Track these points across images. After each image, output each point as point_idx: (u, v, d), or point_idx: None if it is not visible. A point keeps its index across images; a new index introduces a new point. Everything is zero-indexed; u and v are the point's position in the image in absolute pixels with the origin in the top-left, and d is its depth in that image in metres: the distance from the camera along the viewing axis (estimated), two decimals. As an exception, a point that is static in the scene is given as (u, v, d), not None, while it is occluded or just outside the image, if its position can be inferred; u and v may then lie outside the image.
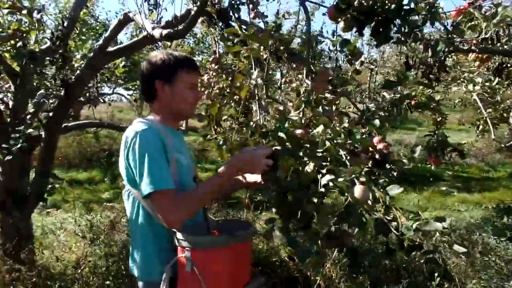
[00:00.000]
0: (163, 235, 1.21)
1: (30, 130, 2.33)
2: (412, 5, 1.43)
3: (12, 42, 2.27)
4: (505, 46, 2.02)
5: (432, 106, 2.77)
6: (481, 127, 3.52)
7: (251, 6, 2.29)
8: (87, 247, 2.32)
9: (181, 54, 1.35)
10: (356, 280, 1.85)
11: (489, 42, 2.20)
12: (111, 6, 13.56)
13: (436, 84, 3.11)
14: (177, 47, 6.25)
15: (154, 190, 1.11)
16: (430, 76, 2.33)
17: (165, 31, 1.75)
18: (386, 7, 1.44)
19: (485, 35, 1.62)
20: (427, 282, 2.07)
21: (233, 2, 1.84)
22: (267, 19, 2.16)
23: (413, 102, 2.78)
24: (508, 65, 2.75)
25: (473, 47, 2.22)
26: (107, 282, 2.03)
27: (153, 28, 1.83)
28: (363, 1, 1.46)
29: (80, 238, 2.56)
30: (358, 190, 1.02)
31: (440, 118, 2.77)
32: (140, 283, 1.29)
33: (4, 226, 2.29)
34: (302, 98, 1.53)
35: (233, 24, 2.01)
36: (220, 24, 2.09)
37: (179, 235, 1.15)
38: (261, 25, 1.90)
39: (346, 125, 1.47)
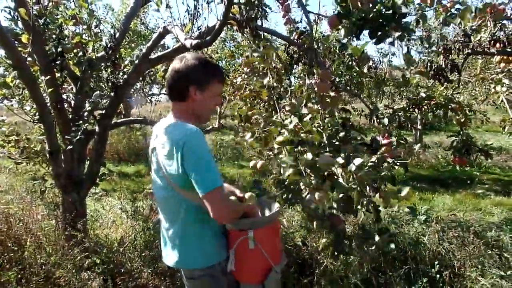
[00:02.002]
0: (214, 224, 1.35)
1: (86, 125, 2.79)
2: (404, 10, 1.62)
3: (75, 51, 2.72)
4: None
5: (451, 106, 2.89)
6: (507, 128, 3.50)
7: (283, 13, 2.58)
8: (129, 223, 2.73)
9: (215, 64, 1.49)
10: (354, 262, 2.06)
11: (500, 45, 2.33)
12: (160, 14, 14.32)
13: (457, 85, 3.21)
14: (218, 51, 6.67)
15: (210, 189, 1.22)
16: (440, 77, 2.48)
17: (194, 42, 2.08)
18: (382, 13, 1.65)
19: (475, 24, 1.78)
20: (427, 269, 2.22)
21: (250, 15, 2.13)
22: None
23: (432, 103, 2.92)
24: (528, 67, 2.77)
25: (492, 49, 2.36)
26: (143, 254, 2.41)
27: (185, 39, 2.18)
28: (360, 8, 1.67)
29: (124, 218, 2.99)
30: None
31: (463, 119, 2.86)
32: (198, 272, 1.37)
33: (65, 203, 2.75)
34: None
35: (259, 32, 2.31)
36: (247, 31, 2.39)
37: (235, 221, 1.36)
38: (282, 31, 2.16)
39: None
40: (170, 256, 1.41)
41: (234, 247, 1.35)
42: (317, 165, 1.23)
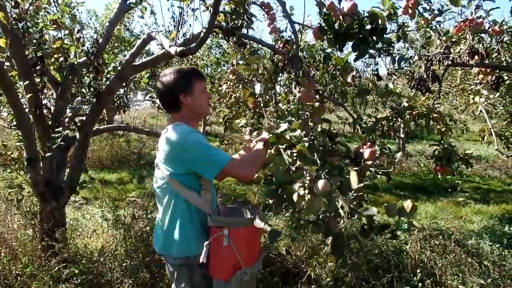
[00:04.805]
0: (197, 220, 1.53)
1: (67, 132, 2.71)
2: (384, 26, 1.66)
3: (56, 56, 2.66)
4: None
5: (432, 116, 2.94)
6: (486, 138, 3.59)
7: (268, 21, 2.59)
8: (110, 231, 2.66)
9: (189, 67, 1.68)
10: (339, 270, 2.06)
11: (479, 57, 2.39)
12: (145, 21, 14.26)
13: (437, 95, 3.27)
14: (204, 58, 6.65)
15: (224, 164, 1.42)
16: (422, 88, 2.52)
17: (179, 49, 2.06)
18: (362, 28, 1.68)
19: (441, 49, 1.84)
20: (410, 278, 2.23)
21: (235, 23, 2.13)
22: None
23: (414, 113, 2.97)
24: (505, 78, 2.84)
25: (471, 61, 2.42)
26: (124, 264, 2.35)
27: (170, 46, 2.16)
28: (342, 23, 1.70)
29: (105, 227, 2.91)
30: (320, 183, 1.20)
31: (444, 128, 2.91)
32: (177, 260, 1.54)
33: (43, 212, 2.66)
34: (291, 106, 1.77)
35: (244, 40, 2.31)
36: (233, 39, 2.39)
37: (216, 218, 1.47)
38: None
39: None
40: (157, 242, 1.61)
41: (209, 241, 1.45)
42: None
